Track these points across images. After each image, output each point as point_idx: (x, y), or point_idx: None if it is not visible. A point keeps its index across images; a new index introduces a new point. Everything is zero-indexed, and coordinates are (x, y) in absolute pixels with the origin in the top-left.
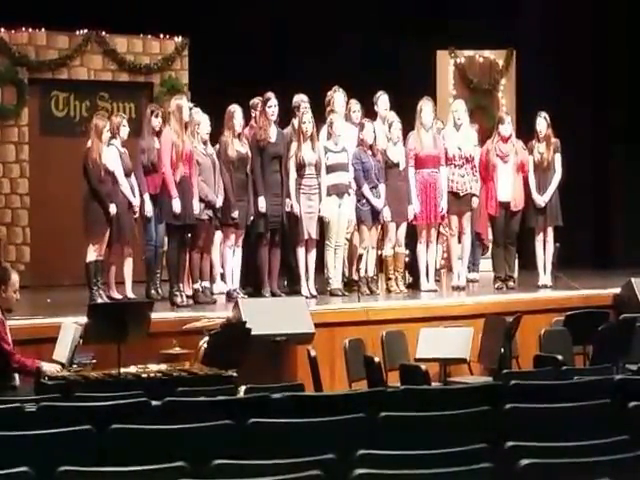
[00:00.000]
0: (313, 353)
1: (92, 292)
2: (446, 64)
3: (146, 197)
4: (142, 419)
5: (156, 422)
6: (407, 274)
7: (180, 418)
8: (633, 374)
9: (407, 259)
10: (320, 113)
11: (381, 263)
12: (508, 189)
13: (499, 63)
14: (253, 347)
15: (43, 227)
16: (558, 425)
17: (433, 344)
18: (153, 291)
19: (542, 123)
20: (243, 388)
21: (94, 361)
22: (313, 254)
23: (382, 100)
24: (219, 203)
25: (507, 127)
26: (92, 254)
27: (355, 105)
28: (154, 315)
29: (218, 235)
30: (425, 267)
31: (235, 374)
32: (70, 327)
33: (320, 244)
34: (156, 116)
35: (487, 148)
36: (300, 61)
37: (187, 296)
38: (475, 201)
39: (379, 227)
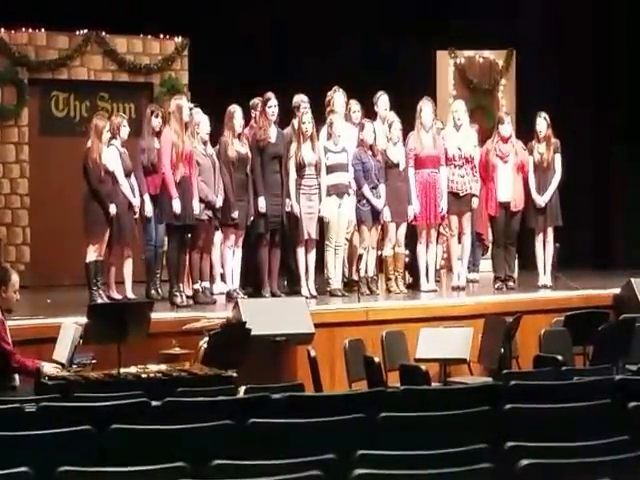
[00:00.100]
0: (313, 353)
1: (92, 292)
2: (446, 64)
3: (146, 197)
4: (142, 419)
5: (156, 422)
6: (407, 274)
7: (180, 418)
8: (633, 374)
9: (407, 259)
10: (320, 113)
11: (381, 263)
12: (508, 189)
13: (499, 63)
14: (253, 347)
15: (43, 227)
16: (558, 425)
17: (433, 344)
18: (153, 291)
19: (542, 123)
20: (243, 388)
21: (94, 361)
22: (313, 254)
23: (382, 100)
24: (219, 203)
25: (507, 127)
26: (92, 254)
27: (355, 105)
28: (154, 315)
29: (218, 235)
30: (425, 267)
31: (235, 374)
32: (70, 327)
33: (320, 244)
34: (156, 116)
35: (487, 148)
36: (300, 61)
37: (187, 296)
38: (475, 201)
39: (379, 227)
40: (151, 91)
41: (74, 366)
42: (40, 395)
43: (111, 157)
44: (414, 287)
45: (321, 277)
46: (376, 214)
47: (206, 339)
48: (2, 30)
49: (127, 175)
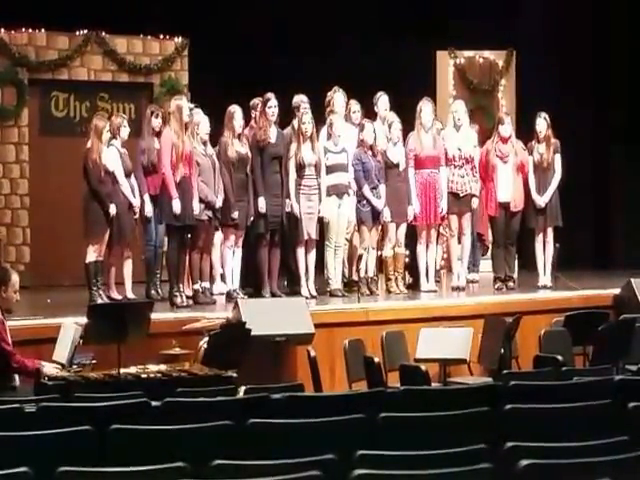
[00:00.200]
0: (313, 353)
1: (92, 292)
2: (446, 65)
3: (146, 198)
4: (142, 419)
5: (156, 422)
6: (407, 275)
7: (180, 418)
8: (633, 374)
9: (407, 260)
10: (320, 113)
11: (381, 264)
12: (508, 190)
13: (499, 64)
14: (253, 347)
15: (43, 228)
16: (558, 425)
17: (433, 344)
18: (153, 291)
19: (542, 124)
20: (243, 388)
21: (94, 361)
22: (313, 254)
23: (382, 101)
24: (219, 204)
25: (507, 128)
26: (92, 254)
27: (355, 106)
28: (154, 315)
29: (218, 235)
30: (425, 268)
31: (235, 374)
32: (70, 327)
33: (320, 244)
34: (156, 117)
35: (487, 149)
36: (300, 61)
37: (187, 296)
38: (475, 202)
39: (379, 228)
40: (151, 91)
41: (74, 366)
42: (40, 395)
43: (111, 157)
44: (414, 287)
45: (321, 277)
46: (376, 214)
47: (206, 339)
48: (2, 30)
49: (127, 175)
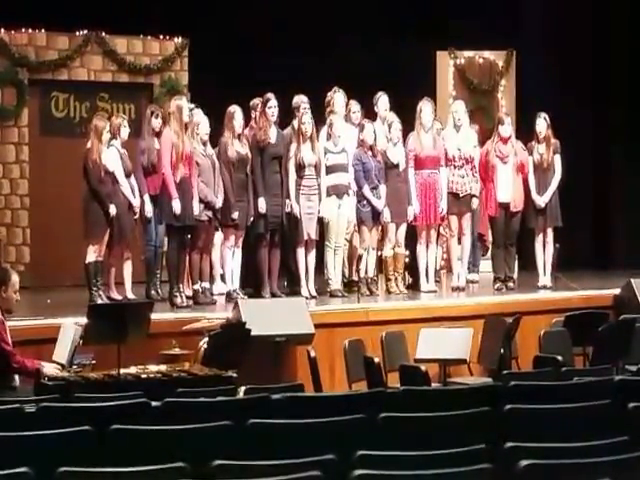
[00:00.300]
0: (313, 354)
1: (92, 293)
2: (446, 65)
3: (146, 198)
4: (142, 420)
5: (156, 423)
6: (407, 275)
7: (180, 419)
8: (633, 375)
9: (407, 260)
10: (320, 114)
11: (381, 264)
12: (508, 190)
13: (499, 64)
14: (253, 348)
15: (43, 228)
16: (558, 426)
17: (433, 345)
18: (153, 292)
19: (542, 124)
20: (243, 389)
21: (94, 362)
22: (313, 255)
23: (382, 101)
24: (219, 204)
25: (507, 128)
26: (92, 255)
27: (355, 106)
28: (154, 316)
29: (218, 236)
30: (425, 268)
31: (235, 375)
32: (70, 328)
33: (320, 245)
34: (156, 117)
35: (487, 149)
36: (300, 61)
37: (187, 297)
38: (475, 202)
39: (379, 228)
40: (151, 92)
41: (74, 366)
42: (40, 395)
43: (111, 158)
44: (414, 287)
45: (321, 278)
46: (376, 215)
47: (206, 339)
48: (2, 30)
49: (127, 176)
